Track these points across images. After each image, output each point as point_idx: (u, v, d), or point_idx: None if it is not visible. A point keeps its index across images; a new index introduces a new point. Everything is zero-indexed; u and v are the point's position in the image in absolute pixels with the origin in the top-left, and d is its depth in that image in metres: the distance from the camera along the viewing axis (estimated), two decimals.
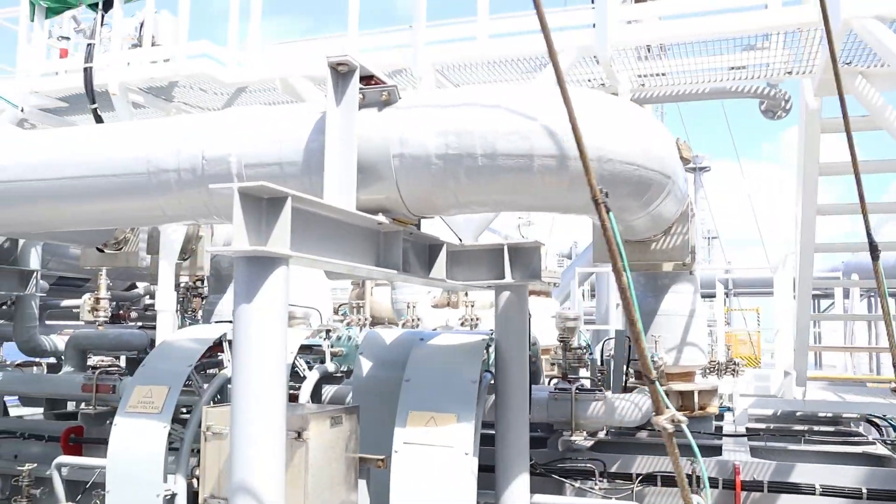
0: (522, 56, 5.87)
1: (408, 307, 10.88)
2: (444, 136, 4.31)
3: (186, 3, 6.00)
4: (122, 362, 10.77)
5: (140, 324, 10.32)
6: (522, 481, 5.49)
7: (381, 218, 4.49)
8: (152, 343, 8.96)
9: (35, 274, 8.53)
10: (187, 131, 4.90)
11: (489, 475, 5.49)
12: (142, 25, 7.36)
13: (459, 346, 5.55)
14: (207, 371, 6.57)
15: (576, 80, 6.15)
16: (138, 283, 13.27)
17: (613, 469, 6.34)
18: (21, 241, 8.70)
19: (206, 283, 9.80)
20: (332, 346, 6.72)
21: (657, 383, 3.10)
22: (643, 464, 6.31)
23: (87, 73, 6.15)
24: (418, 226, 5.08)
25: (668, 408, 3.10)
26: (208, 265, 8.39)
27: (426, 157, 4.33)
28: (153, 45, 6.99)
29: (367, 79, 4.55)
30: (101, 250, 7.75)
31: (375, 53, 6.05)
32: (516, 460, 5.50)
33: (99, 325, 9.74)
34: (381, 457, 5.11)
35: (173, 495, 5.73)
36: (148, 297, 12.73)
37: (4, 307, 9.25)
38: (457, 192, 4.45)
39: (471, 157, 4.28)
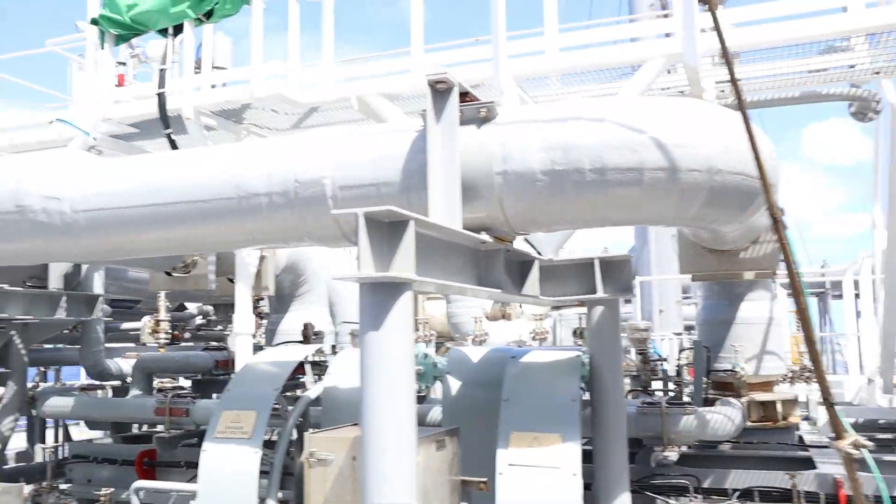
0: (602, 66, 5.75)
1: (475, 321, 10.78)
2: (550, 152, 4.20)
3: (259, 26, 5.94)
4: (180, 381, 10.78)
5: (204, 345, 10.30)
6: (625, 499, 5.36)
7: (484, 237, 4.39)
8: (216, 364, 8.95)
9: (100, 298, 8.52)
10: (278, 154, 4.83)
11: (586, 492, 5.36)
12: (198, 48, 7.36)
13: (555, 363, 5.42)
14: (288, 393, 6.49)
15: (656, 89, 6.03)
16: (188, 304, 13.30)
17: (706, 484, 6.17)
18: (84, 267, 8.71)
19: (267, 302, 9.77)
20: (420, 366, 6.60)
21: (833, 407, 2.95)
22: (738, 479, 6.12)
23: (161, 98, 6.12)
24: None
25: (847, 432, 2.96)
26: (273, 285, 8.33)
27: (531, 174, 4.23)
28: (213, 67, 6.99)
29: (463, 96, 4.47)
30: (169, 274, 7.74)
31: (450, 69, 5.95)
32: (617, 477, 5.36)
33: (160, 346, 9.76)
34: (484, 479, 4.98)
35: None
36: (200, 317, 12.74)
37: (69, 332, 9.24)
38: (563, 209, 4.34)
39: (578, 172, 4.17)
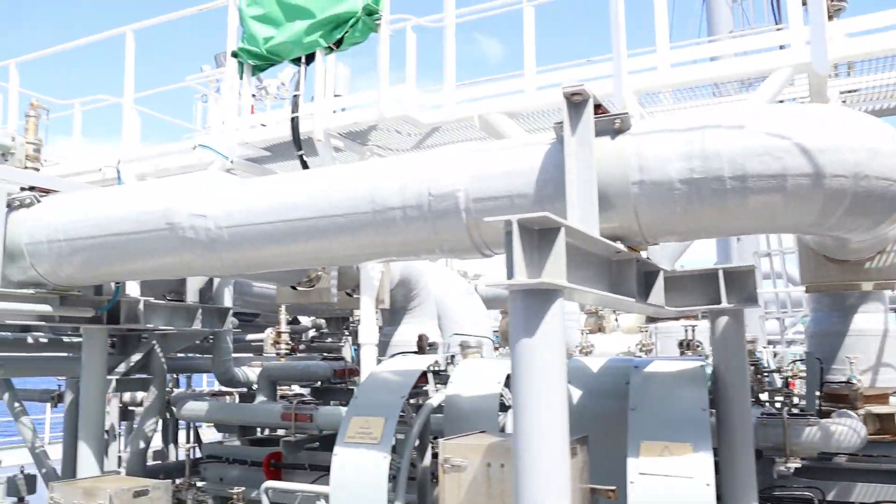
0: (720, 79, 5.43)
1: (581, 333, 10.47)
2: (689, 161, 3.92)
3: (386, 53, 5.86)
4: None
5: (321, 356, 10.31)
6: None
7: (619, 246, 4.13)
8: (334, 373, 8.89)
9: (230, 311, 8.59)
10: (411, 169, 4.70)
11: None
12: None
13: (680, 373, 5.09)
14: (411, 401, 6.32)
15: (782, 99, 5.66)
16: (301, 319, 13.39)
17: (831, 497, 5.69)
18: (216, 281, 8.81)
19: (380, 315, 9.68)
20: None
21: None
22: (864, 492, 5.63)
23: (294, 122, 6.11)
24: None
25: None
26: (388, 299, 8.21)
27: (668, 183, 3.96)
28: (335, 94, 6.97)
29: (595, 108, 4.23)
30: (294, 288, 7.72)
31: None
32: (745, 488, 4.96)
33: (280, 356, 9.78)
34: (613, 487, 4.68)
35: None
36: (314, 329, 12.79)
37: (200, 342, 9.35)
38: (700, 218, 4.04)
39: (718, 181, 3.87)
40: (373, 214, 4.76)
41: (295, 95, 6.16)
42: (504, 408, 6.06)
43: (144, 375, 8.85)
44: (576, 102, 4.09)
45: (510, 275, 3.22)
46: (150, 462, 9.52)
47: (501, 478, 4.35)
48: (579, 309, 12.11)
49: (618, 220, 4.16)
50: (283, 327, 9.75)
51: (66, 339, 8.86)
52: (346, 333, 11.29)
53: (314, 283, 7.46)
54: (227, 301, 8.85)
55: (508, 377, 6.13)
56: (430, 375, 6.12)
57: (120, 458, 10.44)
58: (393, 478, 5.65)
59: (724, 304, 5.03)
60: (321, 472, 7.55)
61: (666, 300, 5.10)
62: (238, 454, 8.16)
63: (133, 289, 7.35)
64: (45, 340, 8.60)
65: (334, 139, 6.28)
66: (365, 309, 6.31)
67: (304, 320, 13.64)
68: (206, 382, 17.35)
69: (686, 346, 7.61)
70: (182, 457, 10.90)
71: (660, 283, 5.01)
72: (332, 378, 8.73)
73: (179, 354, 9.58)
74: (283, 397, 9.05)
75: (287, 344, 9.79)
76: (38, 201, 6.58)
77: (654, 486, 4.50)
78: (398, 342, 8.98)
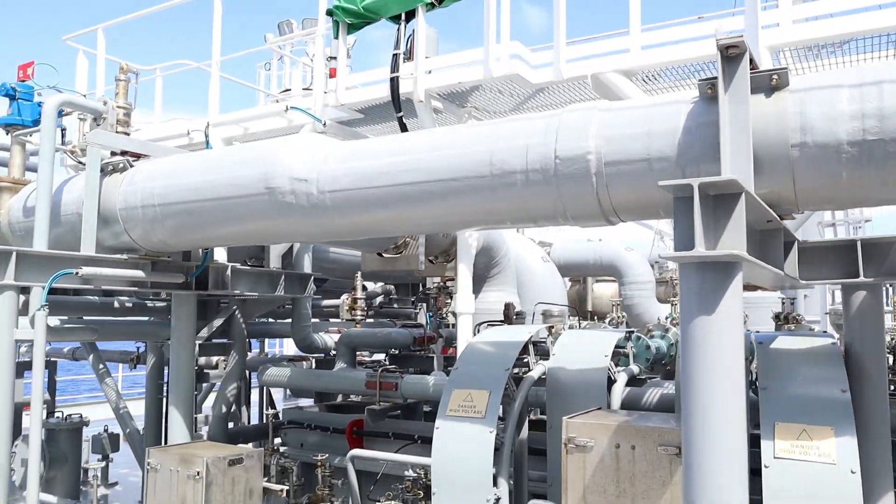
0: (868, 33, 4.85)
1: (615, 306, 9.96)
2: (861, 120, 3.42)
3: (493, 9, 5.39)
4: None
5: (399, 322, 10.02)
6: (889, 499, 4.49)
7: (772, 214, 3.66)
8: (414, 340, 8.58)
9: (311, 278, 8.30)
10: (535, 131, 4.26)
11: None
12: (409, 39, 6.91)
13: (813, 350, 4.61)
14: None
15: None
16: (367, 284, 13.10)
17: None
18: (296, 247, 8.52)
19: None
20: (633, 348, 5.93)
21: None
22: None
23: (394, 82, 5.70)
24: None
25: None
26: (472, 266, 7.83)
27: (836, 146, 3.46)
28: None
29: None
30: (380, 255, 7.38)
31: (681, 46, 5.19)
32: (882, 477, 4.50)
33: (357, 322, 9.49)
34: None
35: (497, 499, 5.13)
36: (383, 296, 12.50)
37: (277, 308, 9.12)
38: (866, 185, 3.53)
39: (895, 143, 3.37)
40: (490, 178, 4.35)
41: (395, 54, 5.74)
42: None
43: (224, 340, 8.64)
44: (730, 56, 3.59)
45: (689, 245, 2.80)
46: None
47: (632, 460, 3.97)
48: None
49: (770, 186, 3.68)
50: (360, 293, 9.44)
51: (149, 303, 8.68)
52: (420, 300, 10.99)
53: (401, 249, 7.11)
54: (307, 267, 8.57)
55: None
56: (530, 347, 5.73)
57: (196, 419, 10.33)
58: (495, 451, 5.31)
59: (862, 277, 4.54)
60: (405, 440, 7.28)
61: (801, 272, 4.64)
62: (319, 420, 7.91)
63: (220, 255, 7.09)
64: (129, 305, 8.43)
65: (433, 100, 5.85)
66: (462, 277, 5.93)
67: (370, 286, 13.39)
68: (277, 348, 17.31)
69: (784, 318, 7.11)
70: (255, 421, 10.79)
71: (794, 255, 4.56)
72: (412, 345, 8.42)
73: (258, 320, 9.36)
74: (359, 363, 8.78)
75: (362, 310, 9.49)
76: (132, 166, 6.31)
77: (792, 471, 4.06)
78: (480, 310, 8.57)
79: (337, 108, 6.12)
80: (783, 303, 7.16)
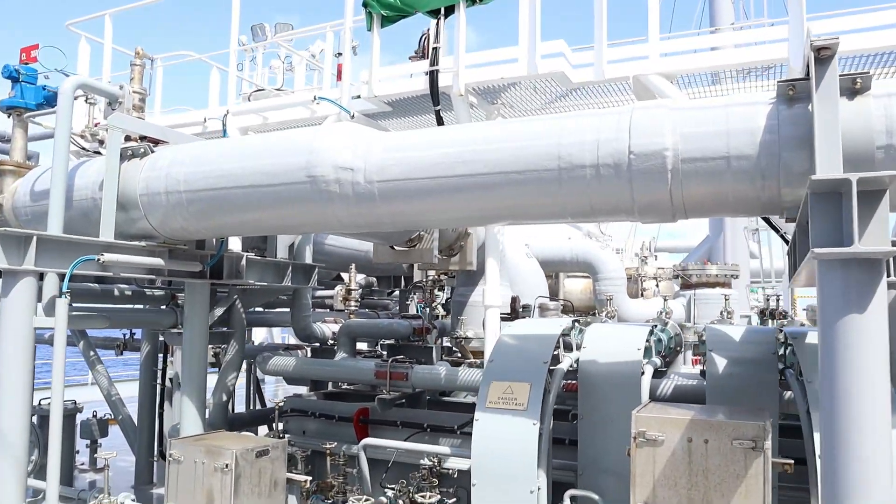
0: None
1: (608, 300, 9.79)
2: None
3: (537, 6, 5.01)
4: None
5: (402, 314, 9.54)
6: None
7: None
8: (414, 331, 8.14)
9: (315, 269, 7.75)
10: (609, 125, 3.91)
11: None
12: (423, 38, 6.48)
13: None
14: None
15: None
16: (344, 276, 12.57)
17: None
18: (297, 238, 7.96)
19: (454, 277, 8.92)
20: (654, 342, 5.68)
21: None
22: None
23: (433, 76, 5.26)
24: None
25: None
26: (476, 261, 7.46)
27: None
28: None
29: None
30: (392, 247, 6.92)
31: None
32: None
33: (350, 313, 8.99)
34: (790, 461, 4.05)
35: (537, 489, 4.79)
36: (364, 288, 11.99)
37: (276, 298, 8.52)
38: None
39: None
40: (558, 172, 3.98)
41: (435, 48, 5.30)
42: None
43: (224, 329, 8.00)
44: (822, 58, 3.33)
45: (835, 242, 2.50)
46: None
47: (705, 454, 3.68)
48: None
49: None
50: (354, 284, 8.94)
51: (147, 292, 7.97)
52: (405, 292, 10.56)
53: (415, 243, 6.66)
54: (308, 258, 8.01)
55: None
56: (560, 340, 5.40)
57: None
58: None
59: None
60: (413, 429, 6.84)
61: None
62: (322, 409, 7.39)
63: (234, 244, 6.49)
64: (129, 293, 7.70)
65: (470, 95, 5.44)
66: (491, 270, 5.55)
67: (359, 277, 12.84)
68: (264, 338, 16.52)
69: (770, 315, 7.01)
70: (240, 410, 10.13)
71: None
72: (411, 336, 7.98)
73: (257, 309, 8.74)
74: (358, 353, 8.28)
75: (356, 301, 9.00)
76: (152, 151, 5.67)
77: None
78: (476, 302, 8.24)
79: (368, 101, 5.63)
80: (767, 299, 7.06)
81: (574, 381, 5.26)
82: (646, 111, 3.88)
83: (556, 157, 3.99)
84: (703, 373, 5.70)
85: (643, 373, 5.18)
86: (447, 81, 5.27)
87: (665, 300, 7.28)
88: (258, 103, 6.54)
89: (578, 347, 5.58)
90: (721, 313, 6.81)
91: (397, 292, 13.11)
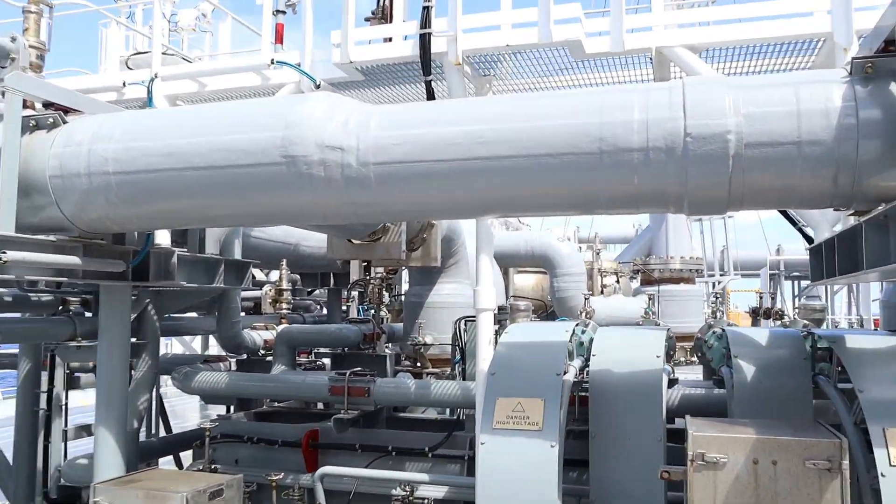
0: None
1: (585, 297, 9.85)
2: None
3: None
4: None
5: (349, 318, 9.14)
6: None
7: None
8: (365, 338, 7.85)
9: (249, 267, 7.27)
10: (657, 103, 3.81)
11: None
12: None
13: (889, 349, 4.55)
14: None
15: None
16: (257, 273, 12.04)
17: None
18: (223, 231, 7.44)
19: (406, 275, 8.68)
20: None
21: None
22: None
23: (424, 40, 4.96)
24: None
25: None
26: (439, 256, 7.25)
27: None
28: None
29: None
30: (349, 241, 6.60)
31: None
32: None
33: (282, 318, 8.59)
34: None
35: None
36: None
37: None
38: None
39: None
40: (599, 156, 3.85)
41: (425, 7, 5.00)
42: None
43: (134, 340, 7.38)
44: None
45: None
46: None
47: (774, 477, 3.67)
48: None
49: None
50: (285, 284, 8.53)
51: (32, 297, 7.23)
52: (330, 291, 10.19)
53: (379, 235, 6.37)
54: (238, 253, 7.53)
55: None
56: (569, 346, 5.29)
57: (65, 433, 8.80)
58: None
59: None
60: (375, 453, 6.57)
61: None
62: (262, 432, 6.95)
63: (162, 238, 5.94)
64: (9, 299, 6.93)
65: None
66: (484, 268, 5.35)
67: (260, 274, 12.28)
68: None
69: (764, 314, 7.22)
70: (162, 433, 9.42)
71: None
72: (362, 343, 7.68)
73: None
74: (297, 364, 7.88)
75: (289, 303, 8.61)
76: (65, 122, 5.07)
77: None
78: (434, 303, 8.06)
79: (340, 68, 5.27)
80: (760, 297, 7.28)
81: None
82: (702, 87, 3.81)
83: (596, 139, 3.85)
84: (716, 381, 5.78)
85: (675, 380, 5.17)
86: (439, 48, 5.00)
87: (650, 299, 7.36)
88: (195, 67, 6.00)
89: (580, 355, 5.51)
90: (713, 312, 6.95)
91: (317, 292, 12.70)
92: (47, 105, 5.22)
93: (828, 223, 5.43)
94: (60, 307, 7.45)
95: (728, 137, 3.65)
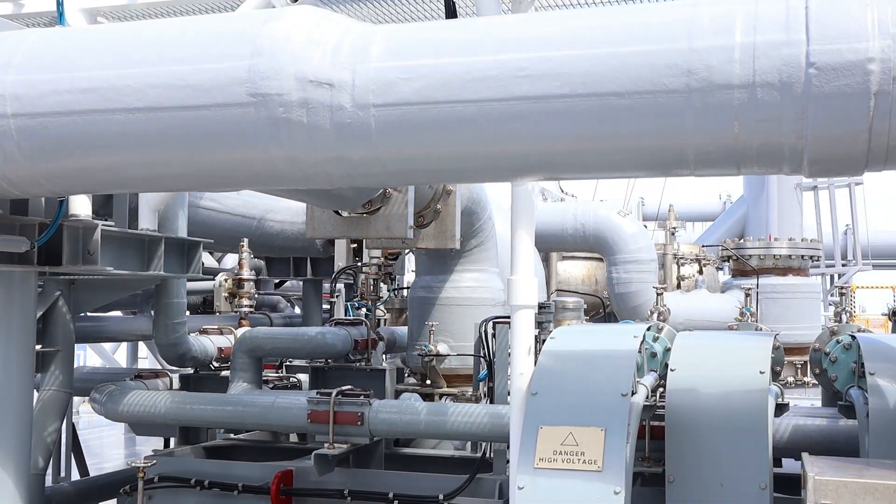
0: None
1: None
2: None
3: None
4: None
5: (334, 319, 9.23)
6: None
7: None
8: (356, 346, 7.94)
9: (200, 247, 7.33)
10: (766, 20, 3.81)
11: None
12: None
13: None
14: None
15: None
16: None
17: None
18: (163, 198, 7.50)
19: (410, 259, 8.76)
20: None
21: None
22: None
23: None
24: None
25: None
26: (459, 235, 7.30)
27: None
28: None
29: None
30: (337, 213, 6.67)
31: None
32: None
33: (242, 318, 8.72)
34: None
35: None
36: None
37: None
38: None
39: None
40: (687, 95, 3.86)
41: None
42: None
43: (39, 347, 7.47)
44: None
45: None
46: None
47: None
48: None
49: None
50: (247, 272, 8.63)
51: None
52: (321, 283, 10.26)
53: (377, 206, 6.41)
54: (183, 229, 7.59)
55: None
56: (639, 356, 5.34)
57: None
58: None
59: None
60: (369, 502, 6.67)
61: None
62: (216, 474, 7.04)
63: (80, 208, 5.99)
64: None
65: None
66: (522, 251, 5.36)
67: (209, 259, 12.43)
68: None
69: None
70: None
71: None
72: (353, 352, 7.77)
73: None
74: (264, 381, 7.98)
75: (251, 298, 8.71)
76: None
77: None
78: (451, 299, 8.12)
79: None
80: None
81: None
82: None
83: (683, 72, 3.86)
84: (843, 408, 5.82)
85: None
86: None
87: (747, 295, 7.40)
88: None
89: (652, 370, 5.57)
90: (837, 315, 7.00)
91: (288, 283, 12.84)
92: None
93: None
94: None
95: (870, 68, 3.64)
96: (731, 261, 11.87)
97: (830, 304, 15.01)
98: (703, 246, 14.46)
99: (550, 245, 11.66)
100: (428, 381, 8.08)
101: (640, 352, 5.50)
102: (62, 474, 10.07)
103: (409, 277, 10.08)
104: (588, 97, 3.96)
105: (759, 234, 18.75)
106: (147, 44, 4.64)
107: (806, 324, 11.38)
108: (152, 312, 8.11)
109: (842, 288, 7.94)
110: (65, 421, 10.58)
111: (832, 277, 15.75)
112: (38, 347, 7.38)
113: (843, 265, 16.85)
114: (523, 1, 5.65)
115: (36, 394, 6.99)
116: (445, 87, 4.12)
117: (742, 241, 12.05)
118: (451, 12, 5.18)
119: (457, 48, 4.19)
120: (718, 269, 14.38)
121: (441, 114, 4.14)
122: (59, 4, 5.92)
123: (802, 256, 11.12)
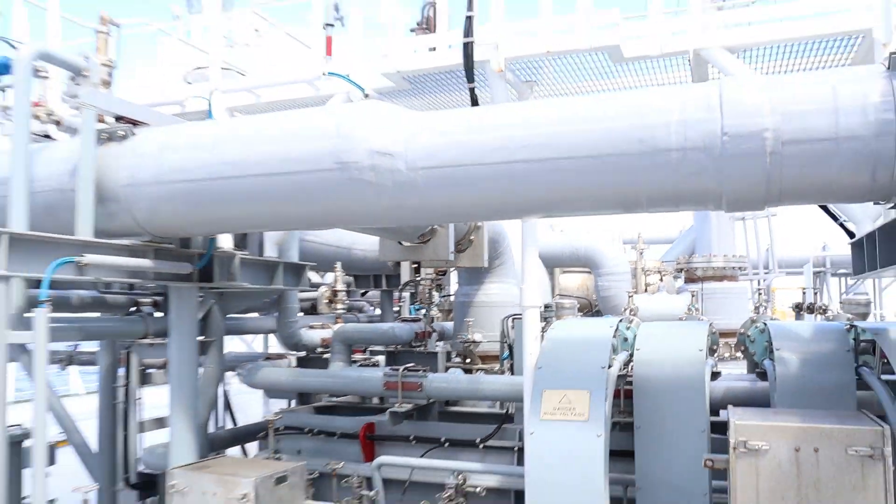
0: None
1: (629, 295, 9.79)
2: None
3: None
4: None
5: (401, 317, 9.28)
6: None
7: None
8: (417, 336, 7.94)
9: (306, 268, 7.43)
10: (695, 104, 3.81)
11: None
12: (427, 6, 6.29)
13: None
14: None
15: None
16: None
17: None
18: (282, 236, 7.62)
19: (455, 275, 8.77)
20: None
21: None
22: None
23: (467, 48, 5.04)
24: None
25: None
26: (486, 256, 7.30)
27: None
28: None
29: None
30: (400, 243, 6.71)
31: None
32: None
33: (338, 317, 8.73)
34: None
35: None
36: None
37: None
38: None
39: None
40: (639, 157, 3.86)
41: (468, 17, 5.08)
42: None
43: (202, 338, 7.61)
44: None
45: None
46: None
47: (816, 465, 3.63)
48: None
49: None
50: (340, 286, 8.68)
51: (109, 298, 7.51)
52: (391, 293, 10.30)
53: (428, 237, 6.46)
54: (296, 256, 7.68)
55: None
56: (613, 341, 5.29)
57: (141, 425, 9.09)
58: None
59: None
60: (428, 444, 6.67)
61: None
62: (322, 425, 7.11)
63: (224, 242, 6.13)
64: (88, 300, 7.23)
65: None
66: (529, 266, 5.37)
67: (316, 277, 12.50)
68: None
69: (807, 309, 7.08)
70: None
71: None
72: (415, 341, 7.78)
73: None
74: (353, 361, 8.01)
75: (343, 303, 8.75)
76: (133, 134, 5.29)
77: None
78: (483, 302, 8.11)
79: (388, 77, 5.38)
80: (804, 293, 7.15)
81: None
82: (738, 86, 3.79)
83: (637, 140, 3.87)
84: (759, 374, 5.71)
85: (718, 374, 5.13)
86: (482, 55, 5.06)
87: (693, 296, 7.28)
88: (249, 80, 6.19)
89: (624, 349, 5.51)
90: (756, 308, 6.86)
91: (371, 293, 12.85)
92: (118, 118, 5.46)
93: (869, 218, 5.31)
94: (133, 308, 7.73)
95: (765, 136, 3.63)
96: (683, 272, 11.70)
97: (754, 301, 14.63)
98: (663, 261, 14.30)
99: (554, 263, 11.62)
100: (468, 360, 8.05)
101: (615, 337, 5.47)
102: (219, 424, 10.19)
103: (453, 287, 10.03)
104: (569, 159, 3.98)
105: (704, 251, 18.36)
106: (265, 130, 4.74)
107: (736, 315, 11.13)
108: (276, 314, 8.17)
109: (760, 290, 7.79)
110: (220, 388, 10.77)
111: (758, 282, 15.42)
112: (200, 338, 7.56)
113: (765, 273, 16.46)
114: (525, 92, 5.70)
115: (200, 370, 7.15)
116: (470, 154, 4.17)
117: (691, 257, 11.83)
118: (474, 101, 5.23)
119: (477, 127, 4.22)
120: (675, 277, 14.17)
121: (468, 173, 4.18)
122: (210, 106, 6.10)
123: (734, 267, 10.94)
